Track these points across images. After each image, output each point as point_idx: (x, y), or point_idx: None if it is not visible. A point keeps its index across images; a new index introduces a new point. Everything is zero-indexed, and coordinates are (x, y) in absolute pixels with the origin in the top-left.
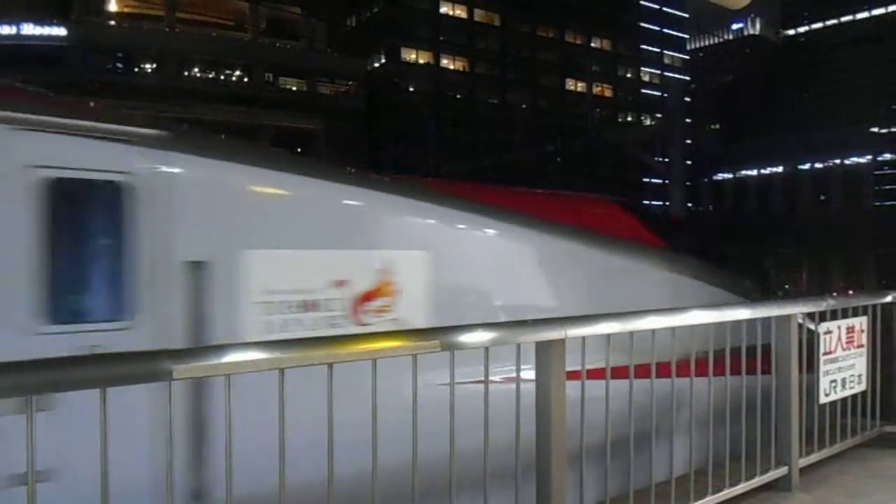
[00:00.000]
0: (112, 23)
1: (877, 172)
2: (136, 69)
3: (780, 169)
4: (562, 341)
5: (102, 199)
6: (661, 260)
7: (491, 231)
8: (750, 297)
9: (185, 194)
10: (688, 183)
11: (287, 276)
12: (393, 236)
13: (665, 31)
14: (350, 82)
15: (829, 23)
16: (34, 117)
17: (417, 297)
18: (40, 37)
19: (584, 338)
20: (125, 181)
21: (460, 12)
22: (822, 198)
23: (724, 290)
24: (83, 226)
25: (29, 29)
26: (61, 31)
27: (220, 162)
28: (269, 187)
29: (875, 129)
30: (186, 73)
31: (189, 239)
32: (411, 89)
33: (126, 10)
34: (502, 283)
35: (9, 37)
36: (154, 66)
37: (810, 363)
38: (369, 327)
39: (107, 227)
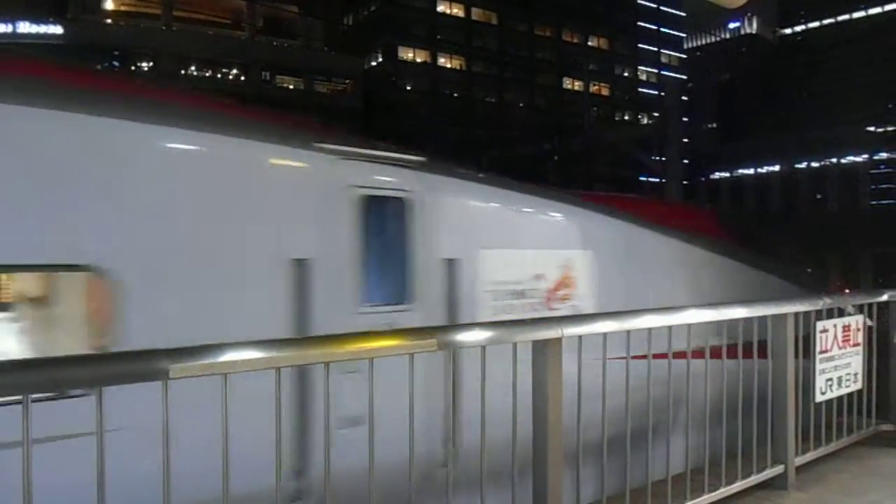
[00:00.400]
0: (108, 21)
1: (873, 171)
2: (133, 67)
3: (776, 168)
4: (558, 340)
5: (393, 212)
6: (744, 256)
7: (632, 233)
8: (810, 288)
9: (443, 207)
10: (685, 182)
11: (506, 270)
12: (569, 239)
13: (662, 29)
14: (347, 81)
15: (825, 22)
16: (351, 149)
17: (587, 287)
18: (36, 35)
19: (580, 336)
20: (406, 197)
21: (457, 11)
22: (819, 197)
23: (789, 281)
24: (382, 231)
25: (25, 27)
26: (57, 30)
27: (462, 181)
28: (494, 201)
29: (871, 128)
30: (183, 72)
31: (445, 241)
32: (408, 88)
33: (122, 8)
34: (642, 274)
35: (4, 34)
36: (151, 64)
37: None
38: (557, 311)
39: (396, 233)
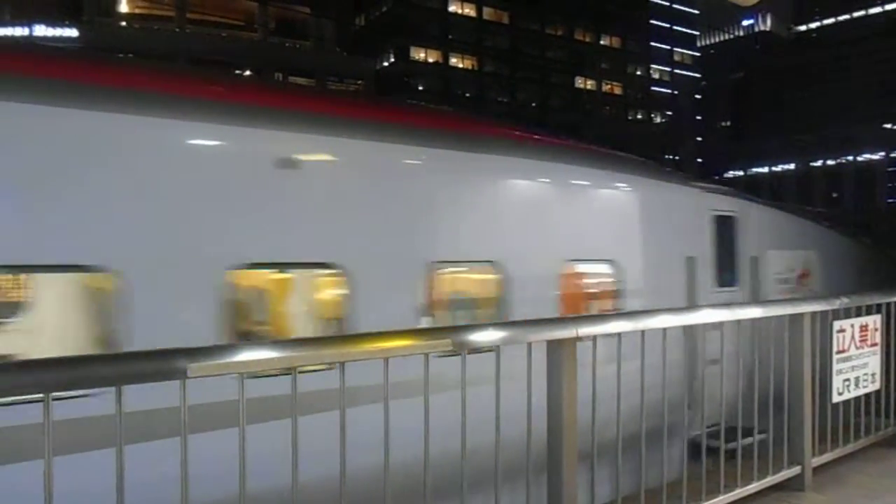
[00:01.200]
0: (123, 23)
1: (890, 169)
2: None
3: (791, 166)
4: (573, 340)
5: (727, 226)
6: (876, 247)
7: (825, 234)
8: None
9: (751, 222)
10: None
11: (780, 264)
12: (806, 242)
13: (675, 28)
14: (359, 82)
15: (841, 18)
16: (706, 185)
17: (814, 275)
18: (52, 38)
19: (594, 337)
20: (734, 216)
21: (469, 11)
22: (835, 195)
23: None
24: (723, 239)
25: (41, 30)
26: (72, 32)
27: (758, 204)
28: (773, 217)
29: (888, 126)
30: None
31: (753, 245)
32: (420, 88)
33: (137, 10)
34: (834, 263)
35: (21, 37)
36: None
37: None
38: (800, 293)
39: (728, 240)
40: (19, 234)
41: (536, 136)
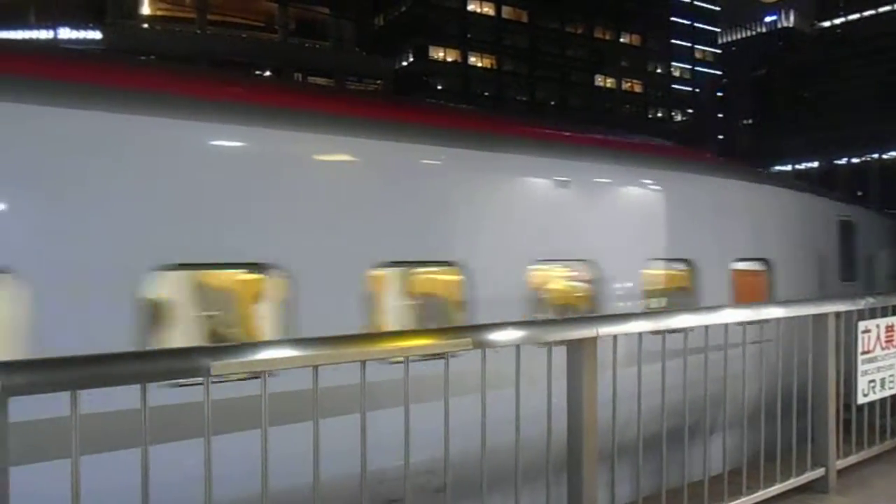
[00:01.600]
0: (145, 25)
1: None
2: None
3: (815, 164)
4: (593, 339)
5: (847, 229)
6: None
7: None
8: None
9: (866, 227)
10: None
11: (888, 262)
12: None
13: (696, 25)
14: (378, 81)
15: (865, 14)
16: (831, 193)
17: None
18: (74, 40)
19: (615, 336)
20: (851, 221)
21: (488, 10)
22: (860, 193)
23: None
24: (844, 240)
25: (65, 32)
26: (97, 34)
27: (868, 211)
28: (885, 223)
29: None
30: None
31: (867, 246)
32: (439, 87)
33: (159, 12)
34: None
35: (44, 39)
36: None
37: None
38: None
39: (848, 241)
40: None
41: (722, 160)
